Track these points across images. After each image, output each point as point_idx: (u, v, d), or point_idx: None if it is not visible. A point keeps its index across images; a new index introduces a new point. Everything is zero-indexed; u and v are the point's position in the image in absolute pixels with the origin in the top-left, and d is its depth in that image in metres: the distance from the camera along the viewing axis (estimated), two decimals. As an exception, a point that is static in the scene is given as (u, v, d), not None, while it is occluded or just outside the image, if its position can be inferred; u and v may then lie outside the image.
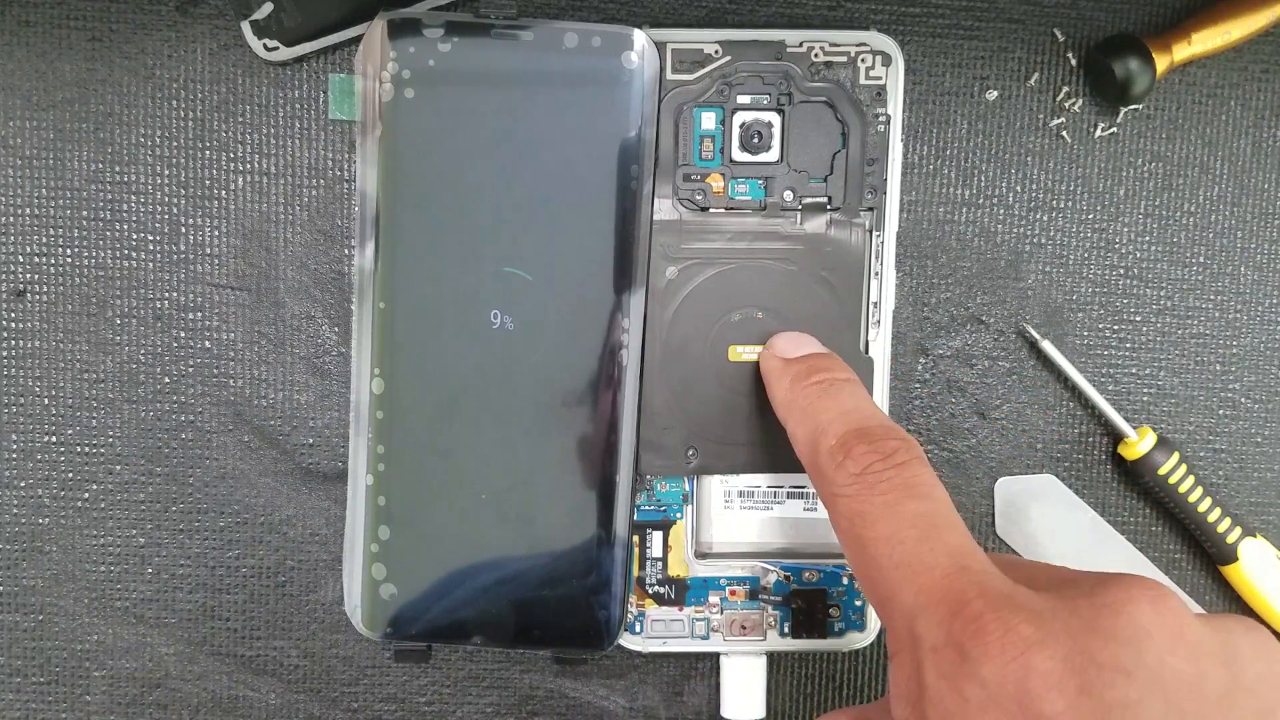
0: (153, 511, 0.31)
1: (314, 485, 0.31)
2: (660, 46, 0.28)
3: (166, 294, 0.30)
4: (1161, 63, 0.29)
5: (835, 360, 0.27)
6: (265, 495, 0.31)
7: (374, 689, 0.31)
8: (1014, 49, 0.31)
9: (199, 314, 0.30)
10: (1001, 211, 0.31)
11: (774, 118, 0.28)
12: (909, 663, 0.20)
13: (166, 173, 0.30)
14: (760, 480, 0.30)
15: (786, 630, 0.30)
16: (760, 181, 0.29)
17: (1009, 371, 0.32)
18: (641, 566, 0.30)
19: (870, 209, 0.29)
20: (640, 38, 0.27)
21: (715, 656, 0.31)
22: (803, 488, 0.30)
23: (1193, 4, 0.31)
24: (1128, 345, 0.32)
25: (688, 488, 0.30)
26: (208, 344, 0.30)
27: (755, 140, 0.28)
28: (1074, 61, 0.31)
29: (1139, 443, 0.31)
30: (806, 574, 0.30)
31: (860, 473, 0.23)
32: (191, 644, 0.31)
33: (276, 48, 0.29)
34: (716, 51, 0.28)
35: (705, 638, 0.30)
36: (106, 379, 0.30)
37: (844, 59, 0.28)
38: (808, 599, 0.30)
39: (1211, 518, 0.31)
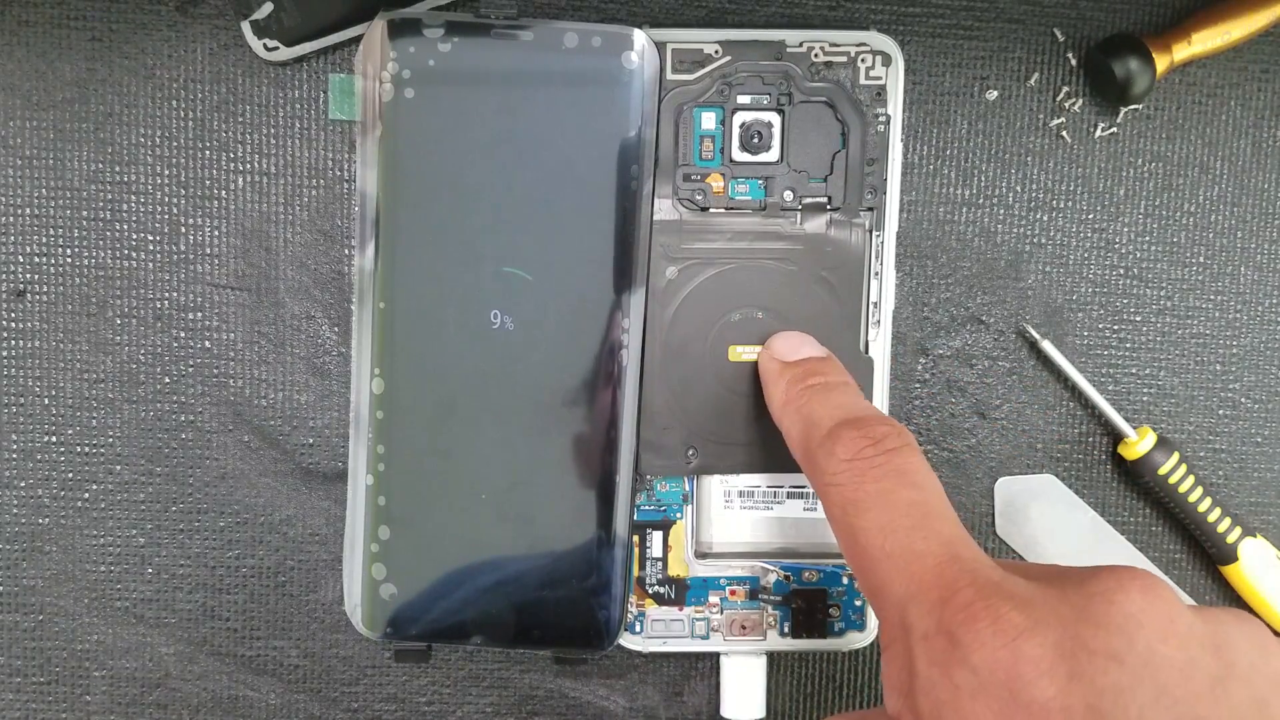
0: (153, 511, 0.31)
1: (314, 485, 0.31)
2: (660, 46, 0.28)
3: (166, 294, 0.30)
4: (1161, 63, 0.29)
5: (832, 364, 0.27)
6: (265, 495, 0.31)
7: (374, 689, 0.31)
8: (1014, 49, 0.31)
9: (199, 314, 0.30)
10: (1001, 211, 0.31)
11: (774, 118, 0.28)
12: (901, 652, 0.20)
13: (166, 173, 0.30)
14: (760, 480, 0.30)
15: (786, 630, 0.30)
16: (760, 181, 0.29)
17: (1009, 371, 0.32)
18: (641, 566, 0.30)
19: (870, 209, 0.29)
20: (640, 38, 0.27)
21: (715, 656, 0.31)
22: (803, 488, 0.30)
23: (1193, 4, 0.31)
24: (1128, 345, 0.32)
25: (688, 488, 0.30)
26: (208, 344, 0.30)
27: (755, 140, 0.28)
28: (1074, 61, 0.31)
29: (1139, 443, 0.31)
30: (806, 574, 0.30)
31: (851, 458, 0.23)
32: (191, 644, 0.31)
33: (276, 48, 0.29)
34: (716, 51, 0.28)
35: (705, 638, 0.30)
36: (106, 379, 0.30)
37: (844, 59, 0.28)
38: (808, 599, 0.30)
39: (1211, 518, 0.31)
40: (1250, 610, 0.32)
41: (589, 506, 0.29)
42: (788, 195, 0.29)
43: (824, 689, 0.32)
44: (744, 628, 0.30)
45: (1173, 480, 0.31)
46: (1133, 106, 0.31)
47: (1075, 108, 0.31)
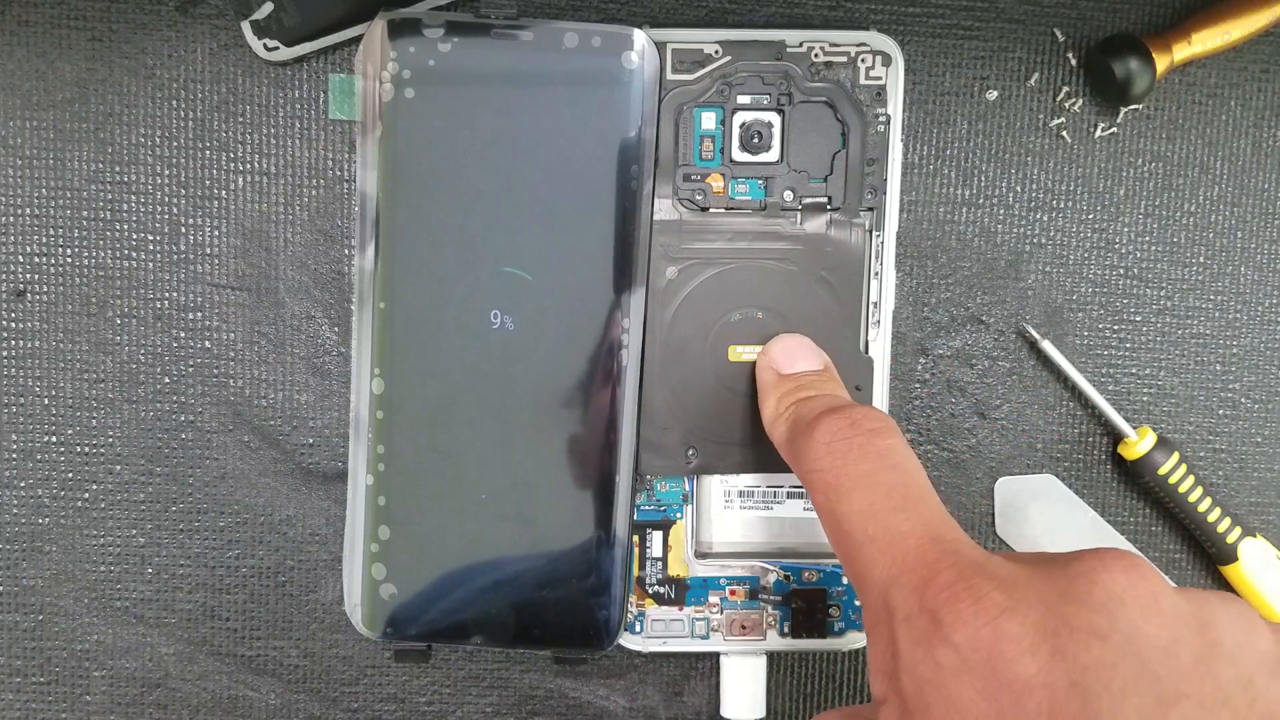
0: (153, 511, 0.31)
1: (314, 485, 0.31)
2: (660, 46, 0.28)
3: (166, 294, 0.30)
4: (1161, 63, 0.29)
5: (826, 376, 0.27)
6: (265, 495, 0.31)
7: (374, 689, 0.31)
8: (1014, 49, 0.31)
9: (199, 314, 0.30)
10: (1001, 211, 0.31)
11: (774, 118, 0.28)
12: (884, 634, 0.20)
13: (166, 173, 0.30)
14: (760, 480, 0.30)
15: (786, 630, 0.30)
16: (760, 181, 0.29)
17: (1009, 371, 0.32)
18: (641, 566, 0.30)
19: (870, 209, 0.29)
20: (640, 38, 0.27)
21: (715, 656, 0.31)
22: (802, 488, 0.30)
23: (1193, 4, 0.31)
24: (1128, 345, 0.32)
25: (688, 488, 0.30)
26: (208, 344, 0.30)
27: (755, 140, 0.28)
28: (1074, 61, 0.31)
29: (1139, 443, 0.31)
30: (806, 574, 0.30)
31: (830, 440, 0.23)
32: (191, 644, 0.31)
33: (276, 48, 0.29)
34: (716, 51, 0.28)
35: (705, 638, 0.30)
36: (106, 379, 0.30)
37: (844, 59, 0.28)
38: (808, 599, 0.30)
39: (1211, 518, 0.31)
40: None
41: (589, 506, 0.29)
42: (788, 195, 0.29)
43: (824, 689, 0.32)
44: (744, 628, 0.30)
45: (1173, 480, 0.31)
46: (1133, 106, 0.31)
47: (1075, 108, 0.31)
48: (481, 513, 0.29)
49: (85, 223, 0.30)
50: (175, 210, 0.30)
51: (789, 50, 0.28)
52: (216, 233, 0.30)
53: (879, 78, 0.28)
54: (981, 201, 0.31)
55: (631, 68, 0.27)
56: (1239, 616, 0.20)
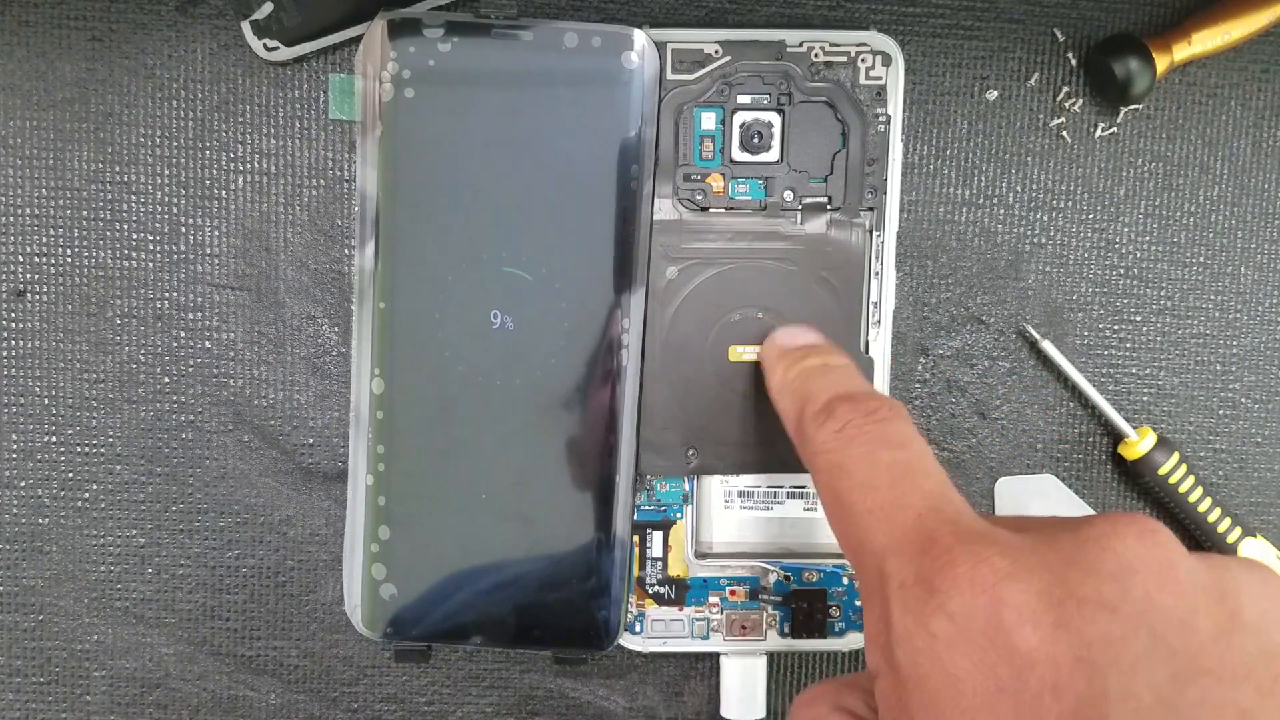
0: (153, 511, 0.31)
1: (314, 485, 0.31)
2: (660, 46, 0.28)
3: (166, 294, 0.30)
4: (1161, 63, 0.29)
5: (833, 348, 0.27)
6: (265, 495, 0.31)
7: (374, 689, 0.31)
8: (1014, 49, 0.31)
9: (199, 314, 0.30)
10: (1001, 211, 0.31)
11: (774, 118, 0.28)
12: (878, 604, 0.19)
13: (166, 173, 0.30)
14: (760, 480, 0.30)
15: (786, 630, 0.30)
16: (760, 181, 0.29)
17: (1009, 371, 0.32)
18: (641, 566, 0.30)
19: (870, 209, 0.29)
20: (640, 38, 0.27)
21: (715, 656, 0.31)
22: (803, 488, 0.30)
23: (1193, 4, 0.31)
24: (1128, 345, 0.32)
25: (688, 488, 0.30)
26: (208, 344, 0.30)
27: (755, 140, 0.28)
28: (1074, 61, 0.31)
29: (1139, 443, 0.31)
30: (806, 574, 0.30)
31: (840, 429, 0.22)
32: (191, 644, 0.31)
33: (276, 48, 0.29)
34: (716, 51, 0.28)
35: (705, 638, 0.30)
36: (106, 379, 0.30)
37: (844, 59, 0.28)
38: (808, 599, 0.30)
39: (1211, 518, 0.31)
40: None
41: (589, 506, 0.29)
42: (788, 195, 0.29)
43: (824, 689, 0.32)
44: (744, 628, 0.30)
45: (1173, 480, 0.31)
46: (1133, 106, 0.31)
47: (1075, 108, 0.31)
48: (482, 513, 0.29)
49: (85, 223, 0.30)
50: (175, 210, 0.30)
51: (789, 50, 0.28)
52: (216, 233, 0.30)
53: (879, 78, 0.28)
54: (981, 201, 0.31)
55: (631, 68, 0.27)
56: (1262, 584, 0.18)
